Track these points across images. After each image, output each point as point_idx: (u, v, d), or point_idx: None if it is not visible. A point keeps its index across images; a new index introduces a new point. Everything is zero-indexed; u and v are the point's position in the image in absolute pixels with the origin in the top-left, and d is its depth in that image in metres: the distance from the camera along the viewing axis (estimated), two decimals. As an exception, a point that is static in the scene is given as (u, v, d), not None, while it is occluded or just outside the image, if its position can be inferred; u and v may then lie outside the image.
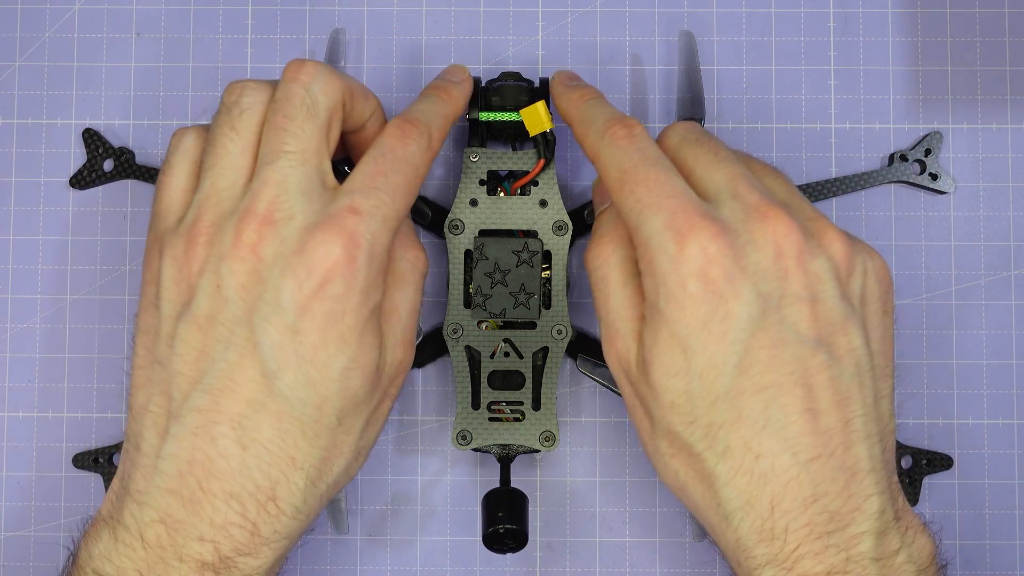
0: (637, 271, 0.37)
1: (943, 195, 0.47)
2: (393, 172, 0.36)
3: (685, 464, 0.36)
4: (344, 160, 0.42)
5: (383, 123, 0.40)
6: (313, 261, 0.34)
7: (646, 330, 0.36)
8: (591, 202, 0.45)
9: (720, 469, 0.35)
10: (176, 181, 0.38)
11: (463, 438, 0.43)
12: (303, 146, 0.35)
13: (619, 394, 0.44)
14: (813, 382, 0.35)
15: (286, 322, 0.34)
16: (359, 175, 0.36)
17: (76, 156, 0.47)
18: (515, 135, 0.44)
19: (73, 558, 0.36)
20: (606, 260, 0.38)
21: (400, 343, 0.38)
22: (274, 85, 0.37)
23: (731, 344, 0.34)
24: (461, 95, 0.41)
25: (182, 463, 0.34)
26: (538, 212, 0.44)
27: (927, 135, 0.47)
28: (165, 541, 0.34)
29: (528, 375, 0.44)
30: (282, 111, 0.36)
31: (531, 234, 0.44)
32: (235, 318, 0.34)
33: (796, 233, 0.35)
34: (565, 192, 0.46)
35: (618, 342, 0.38)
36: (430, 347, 0.45)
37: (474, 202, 0.44)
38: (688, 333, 0.34)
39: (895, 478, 0.37)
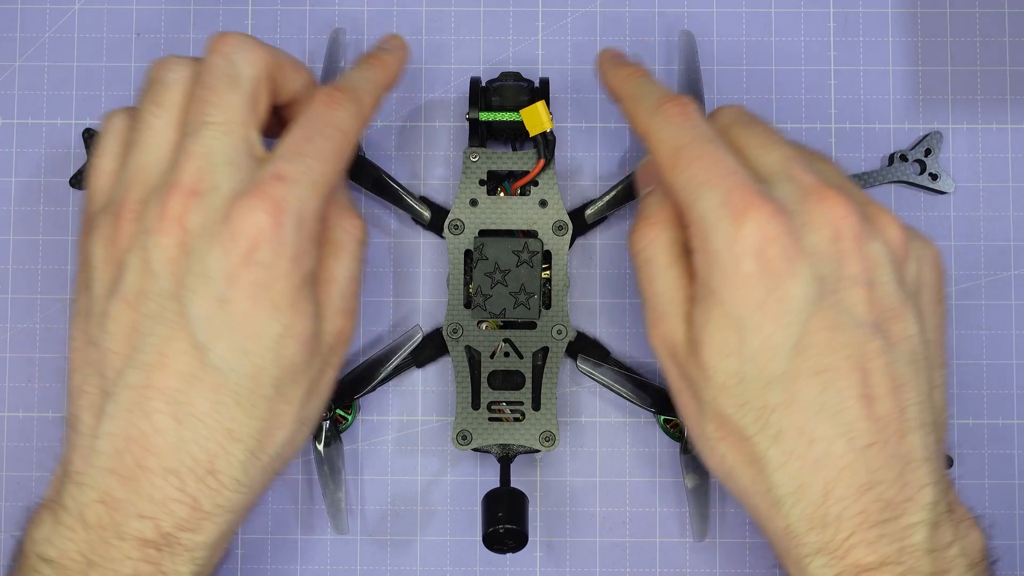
0: (683, 252, 0.37)
1: (943, 195, 0.47)
2: (320, 138, 0.35)
3: (734, 448, 0.35)
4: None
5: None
6: (239, 229, 0.33)
7: (697, 310, 0.35)
8: (592, 202, 0.45)
9: (772, 453, 0.34)
10: (105, 163, 0.37)
11: (463, 438, 0.43)
12: (226, 117, 0.35)
13: (620, 394, 0.44)
14: (870, 367, 0.34)
15: (215, 292, 0.33)
16: (285, 142, 0.35)
17: (76, 156, 0.47)
18: (515, 135, 0.44)
19: (19, 545, 0.36)
20: (652, 241, 0.38)
21: (339, 312, 0.37)
22: (199, 61, 0.37)
23: (788, 325, 0.33)
24: (395, 62, 0.40)
25: (118, 441, 0.34)
26: (538, 212, 0.44)
27: (927, 135, 0.47)
28: (106, 520, 0.34)
29: (528, 375, 0.44)
30: (204, 83, 0.36)
31: (531, 234, 0.44)
32: (164, 292, 0.34)
33: (854, 216, 0.34)
34: (565, 192, 0.46)
35: (664, 324, 0.37)
36: (430, 347, 0.45)
37: (474, 202, 0.44)
38: (743, 313, 0.34)
39: (945, 470, 0.36)
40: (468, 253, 0.44)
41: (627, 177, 0.45)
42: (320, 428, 0.43)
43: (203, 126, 0.35)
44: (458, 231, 0.44)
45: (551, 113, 0.43)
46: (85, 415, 0.35)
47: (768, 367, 0.34)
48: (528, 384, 0.44)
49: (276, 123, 0.39)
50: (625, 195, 0.45)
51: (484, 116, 0.43)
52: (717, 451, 0.36)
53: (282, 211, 0.33)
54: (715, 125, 0.38)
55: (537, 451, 0.44)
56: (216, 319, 0.33)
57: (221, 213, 0.34)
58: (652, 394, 0.44)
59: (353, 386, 0.44)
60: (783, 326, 0.33)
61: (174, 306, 0.34)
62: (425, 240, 0.47)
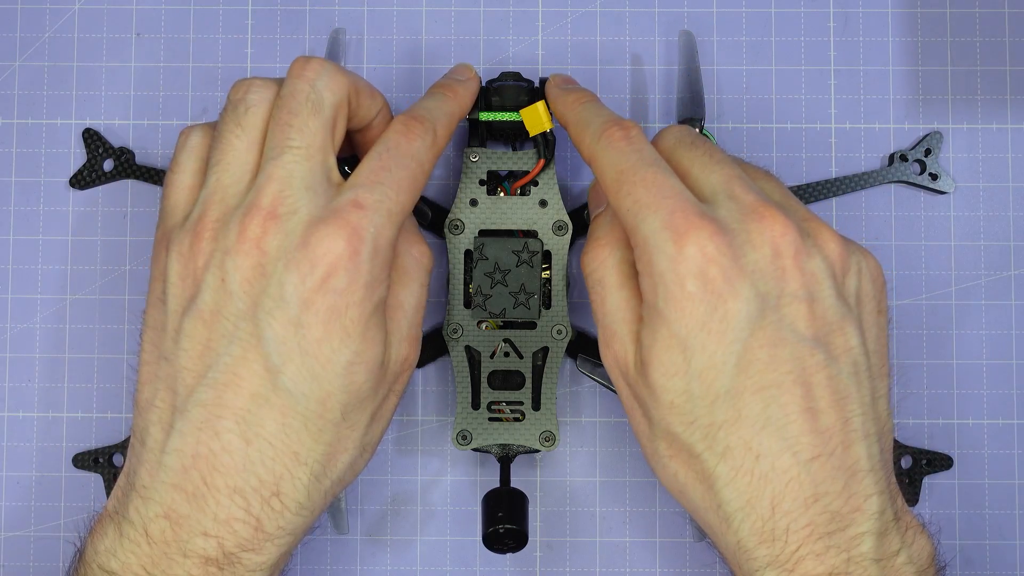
0: (634, 273, 0.37)
1: (943, 195, 0.47)
2: (397, 167, 0.36)
3: (684, 465, 0.36)
4: (350, 159, 0.42)
5: (390, 121, 0.40)
6: (316, 255, 0.34)
7: (644, 331, 0.36)
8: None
9: (720, 470, 0.35)
10: (183, 179, 0.38)
11: (463, 438, 0.43)
12: (307, 141, 0.36)
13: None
14: (812, 381, 0.35)
15: (289, 316, 0.34)
16: (363, 170, 0.36)
17: (76, 156, 0.47)
18: (515, 135, 0.44)
19: (80, 554, 0.36)
20: (602, 263, 0.38)
21: (405, 339, 0.38)
22: (280, 82, 0.38)
23: (730, 343, 0.34)
24: (467, 93, 0.41)
25: (186, 458, 0.34)
26: (538, 212, 0.44)
27: (927, 135, 0.47)
28: (169, 536, 0.34)
29: (528, 375, 0.44)
30: (287, 107, 0.36)
31: (531, 234, 0.44)
32: (239, 312, 0.34)
33: (793, 233, 0.35)
34: (565, 192, 0.46)
35: (615, 344, 0.38)
36: (430, 347, 0.45)
37: (474, 202, 0.44)
38: (687, 333, 0.34)
39: (893, 478, 0.37)
40: (468, 253, 0.44)
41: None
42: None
43: (285, 150, 0.35)
44: (458, 231, 0.44)
45: (551, 113, 0.43)
46: (154, 429, 0.36)
47: (713, 385, 0.34)
48: (528, 384, 0.44)
49: (346, 146, 0.40)
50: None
51: (484, 116, 0.43)
52: (669, 469, 0.37)
53: (360, 239, 0.34)
54: (660, 146, 0.39)
55: (537, 451, 0.44)
56: (290, 342, 0.34)
57: (300, 238, 0.34)
58: (652, 394, 0.44)
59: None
60: (726, 344, 0.34)
61: (249, 327, 0.34)
62: (425, 240, 0.47)
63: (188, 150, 0.38)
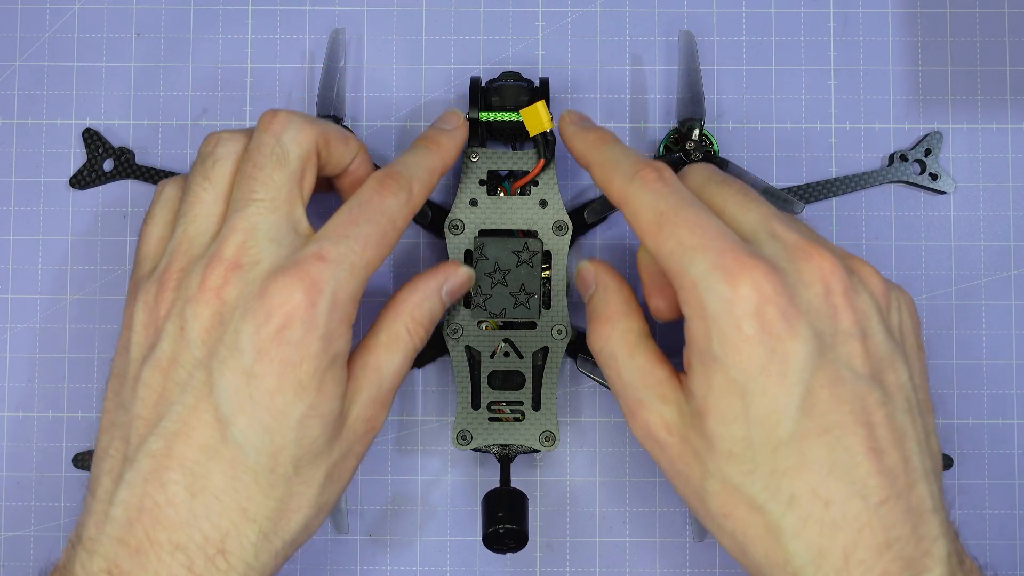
0: (640, 338, 0.37)
1: (943, 195, 0.47)
2: (366, 222, 0.36)
3: (744, 522, 0.34)
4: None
5: (369, 165, 0.41)
6: (273, 304, 0.34)
7: (695, 379, 0.34)
8: (591, 202, 0.45)
9: (787, 521, 0.33)
10: (154, 230, 0.38)
11: (463, 438, 0.43)
12: (272, 194, 0.36)
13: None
14: (873, 420, 0.33)
15: (243, 365, 0.33)
16: (332, 223, 0.36)
17: (76, 156, 0.47)
18: (515, 135, 0.44)
19: None
20: (608, 338, 0.38)
21: (374, 402, 0.37)
22: (249, 135, 0.38)
23: (792, 386, 0.33)
24: (452, 145, 0.41)
25: (132, 510, 0.34)
26: (538, 212, 0.44)
27: (927, 135, 0.47)
28: None
29: (528, 375, 0.44)
30: (252, 160, 0.36)
31: (531, 234, 0.44)
32: (195, 361, 0.34)
33: (841, 270, 0.34)
34: (565, 192, 0.46)
35: (644, 411, 0.36)
36: (430, 347, 0.45)
37: (474, 202, 0.44)
38: (746, 377, 0.33)
39: (949, 518, 0.35)
40: (468, 253, 0.44)
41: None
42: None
43: (249, 202, 0.36)
44: (458, 231, 0.44)
45: (551, 113, 0.43)
46: (105, 479, 0.35)
47: (776, 430, 0.33)
48: (528, 384, 0.44)
49: (328, 186, 0.41)
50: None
51: (484, 116, 0.43)
52: (726, 528, 0.35)
53: (318, 291, 0.34)
54: (689, 185, 0.38)
55: (537, 451, 0.44)
56: (241, 392, 0.34)
57: (258, 287, 0.34)
58: (652, 394, 0.44)
59: (353, 386, 0.44)
60: (787, 386, 0.33)
61: (203, 376, 0.34)
62: (425, 240, 0.47)
63: (162, 203, 0.39)
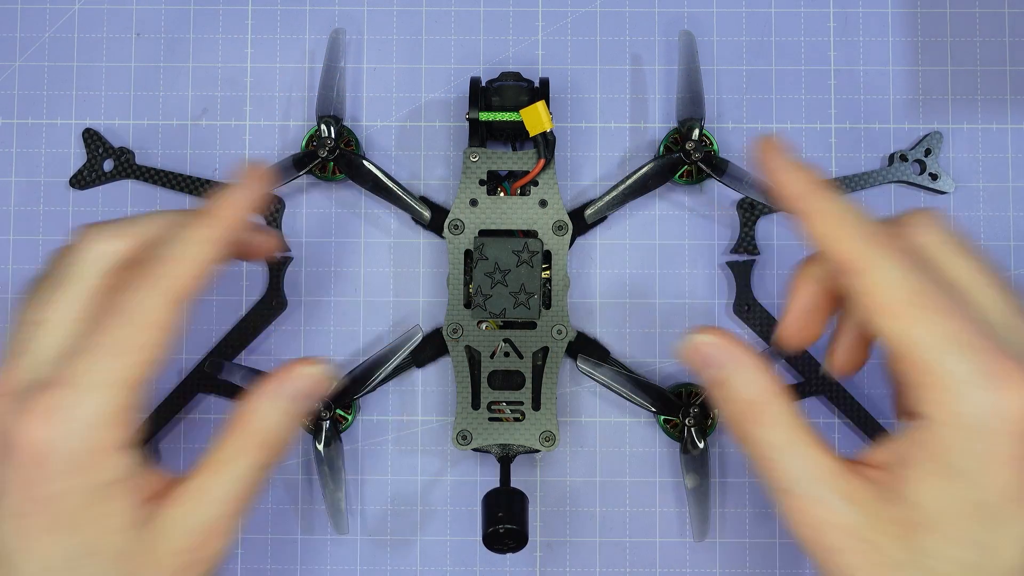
0: (801, 424, 0.32)
1: (943, 195, 0.47)
2: (111, 330, 0.32)
3: None
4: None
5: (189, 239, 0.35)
6: (16, 442, 0.31)
7: (923, 488, 0.30)
8: (592, 202, 0.45)
9: None
10: None
11: (463, 438, 0.43)
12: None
13: (620, 394, 0.44)
14: None
15: (10, 507, 0.31)
16: (72, 335, 0.33)
17: (76, 156, 0.47)
18: (515, 135, 0.44)
19: None
20: (762, 425, 0.32)
21: (198, 531, 0.33)
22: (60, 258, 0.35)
23: None
24: (231, 210, 0.35)
25: None
26: (538, 212, 0.44)
27: (927, 135, 0.47)
28: None
29: (528, 375, 0.44)
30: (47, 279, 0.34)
31: (531, 234, 0.44)
32: None
33: None
34: (565, 192, 0.46)
35: (816, 510, 0.31)
36: (430, 347, 0.45)
37: (474, 202, 0.44)
38: (997, 501, 0.29)
39: None
40: (468, 253, 0.44)
41: (627, 177, 0.45)
42: (320, 428, 0.43)
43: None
44: (458, 231, 0.44)
45: (551, 113, 0.43)
46: None
47: (1014, 572, 0.30)
48: (528, 384, 0.44)
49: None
50: (625, 196, 0.45)
51: (484, 116, 0.43)
52: None
53: (59, 421, 0.31)
54: (916, 240, 0.33)
55: (537, 451, 0.44)
56: (17, 534, 0.31)
57: (10, 420, 0.31)
58: (652, 394, 0.44)
59: (353, 386, 0.44)
60: None
61: None
62: (425, 240, 0.47)
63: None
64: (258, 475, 0.34)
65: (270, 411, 0.34)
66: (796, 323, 0.35)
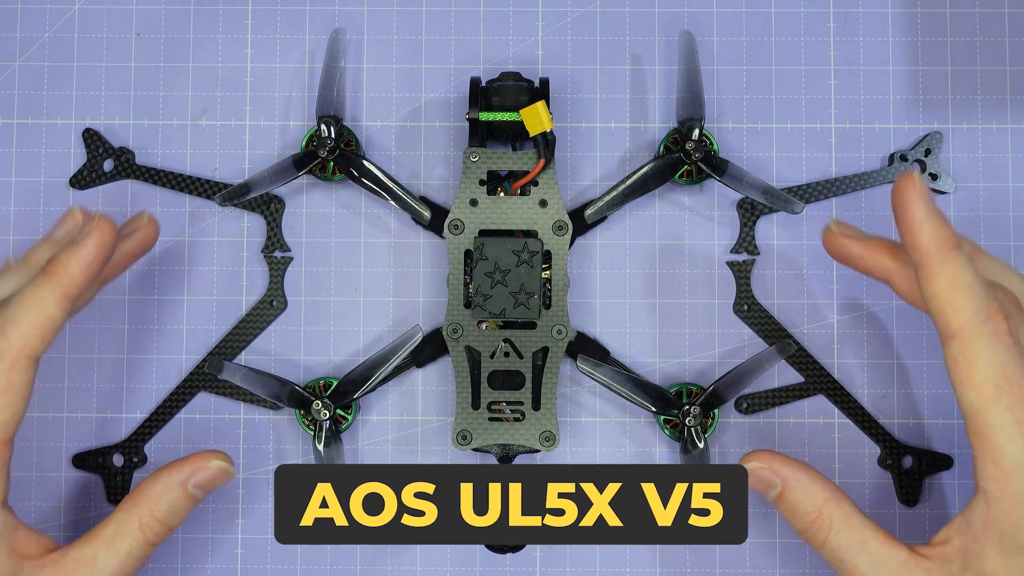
0: (863, 523, 0.35)
1: (943, 195, 0.47)
2: None
3: None
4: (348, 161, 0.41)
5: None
6: None
7: (991, 563, 0.33)
8: (592, 202, 0.45)
9: None
10: None
11: (463, 438, 0.43)
12: None
13: (620, 394, 0.44)
14: None
15: None
16: None
17: (76, 156, 0.47)
18: (515, 135, 0.44)
19: None
20: (828, 531, 0.35)
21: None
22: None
23: None
24: (77, 266, 0.37)
25: None
26: (538, 212, 0.44)
27: (927, 135, 0.47)
28: None
29: (528, 375, 0.44)
30: None
31: (531, 234, 0.44)
32: None
33: None
34: (565, 192, 0.46)
35: None
36: (430, 347, 0.45)
37: (474, 202, 0.44)
38: None
39: None
40: (468, 253, 0.44)
41: (627, 177, 0.45)
42: (320, 428, 0.43)
43: None
44: (458, 231, 0.44)
45: (551, 113, 0.43)
46: None
47: None
48: (528, 384, 0.44)
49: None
50: (625, 196, 0.45)
51: (484, 116, 0.43)
52: None
53: None
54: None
55: (537, 451, 0.44)
56: None
57: None
58: (652, 394, 0.44)
59: (353, 386, 0.44)
60: None
61: None
62: (425, 240, 0.47)
63: None
64: (146, 552, 0.36)
65: (165, 495, 0.37)
66: (857, 246, 0.38)
